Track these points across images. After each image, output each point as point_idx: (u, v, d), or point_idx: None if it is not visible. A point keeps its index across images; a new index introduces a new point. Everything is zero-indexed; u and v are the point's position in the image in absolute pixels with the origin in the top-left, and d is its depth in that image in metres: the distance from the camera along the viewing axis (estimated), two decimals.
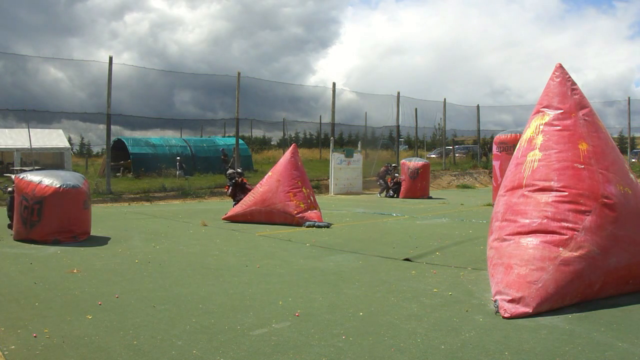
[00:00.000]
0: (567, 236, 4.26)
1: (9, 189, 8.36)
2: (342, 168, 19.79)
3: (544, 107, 4.99)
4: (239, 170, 12.55)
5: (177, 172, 21.62)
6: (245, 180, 12.04)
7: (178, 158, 22.69)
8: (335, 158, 19.61)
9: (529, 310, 4.01)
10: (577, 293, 4.20)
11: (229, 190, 11.81)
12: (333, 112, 21.34)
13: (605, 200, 4.37)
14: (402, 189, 18.04)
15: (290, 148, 10.71)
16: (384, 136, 27.41)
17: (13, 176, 8.64)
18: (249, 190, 11.01)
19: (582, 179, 4.46)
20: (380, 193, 18.73)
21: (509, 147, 13.25)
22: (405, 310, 4.26)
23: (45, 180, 7.71)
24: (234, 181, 11.73)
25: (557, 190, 4.48)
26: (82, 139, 30.63)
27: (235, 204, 11.12)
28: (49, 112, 17.89)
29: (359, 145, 23.05)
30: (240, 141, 22.25)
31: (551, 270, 4.14)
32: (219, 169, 23.35)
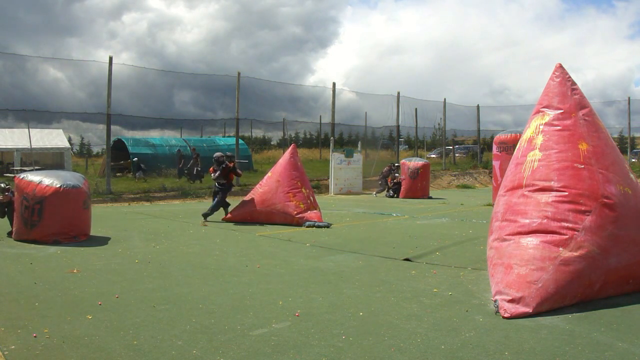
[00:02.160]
0: (567, 236, 4.26)
1: (6, 193, 8.24)
2: (342, 168, 19.78)
3: (544, 107, 4.99)
4: (228, 153, 11.50)
5: (137, 174, 20.60)
6: (233, 164, 10.74)
7: (135, 159, 21.67)
8: (335, 158, 19.61)
9: (529, 310, 4.01)
10: (577, 293, 4.20)
11: (216, 174, 10.50)
12: (333, 112, 21.35)
13: (605, 200, 4.37)
14: (402, 189, 18.03)
15: (290, 148, 10.72)
16: (384, 136, 27.42)
17: (4, 184, 8.53)
18: (239, 175, 11.01)
19: (582, 179, 4.46)
20: (376, 193, 18.67)
21: (509, 147, 13.24)
22: (405, 310, 4.27)
23: (46, 180, 7.71)
24: (224, 165, 10.54)
25: (557, 190, 4.48)
26: (82, 139, 30.59)
27: (217, 198, 10.44)
28: (49, 112, 17.84)
29: (359, 145, 23.03)
30: (240, 141, 22.24)
31: (551, 270, 4.14)
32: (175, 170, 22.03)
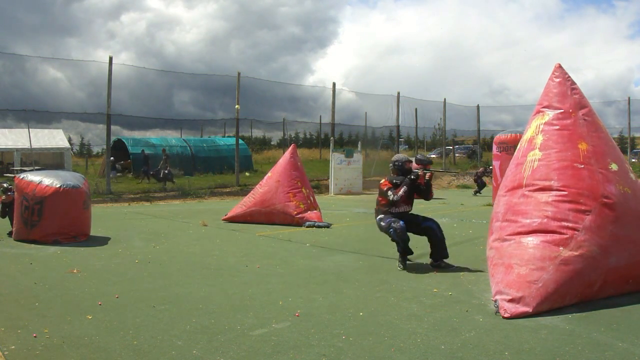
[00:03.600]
0: (567, 235, 4.26)
1: (9, 193, 8.26)
2: (342, 168, 19.79)
3: (544, 107, 4.99)
4: (418, 156, 6.21)
5: (110, 174, 20.78)
6: (431, 175, 5.94)
7: (112, 158, 21.61)
8: (335, 158, 19.62)
9: (529, 309, 4.01)
10: (577, 292, 4.20)
11: (398, 194, 5.69)
12: (333, 112, 21.35)
13: (605, 200, 4.37)
14: None
15: (290, 148, 10.72)
16: (384, 136, 27.46)
17: (6, 185, 8.55)
18: (429, 195, 6.00)
19: (582, 179, 4.46)
20: (475, 193, 18.57)
21: (509, 147, 13.23)
22: (405, 310, 4.26)
23: (46, 180, 7.71)
24: (412, 177, 5.80)
25: (557, 190, 4.48)
26: (82, 139, 30.63)
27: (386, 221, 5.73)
28: (49, 112, 17.88)
29: (359, 145, 23.06)
30: (240, 141, 22.24)
31: (551, 270, 4.14)
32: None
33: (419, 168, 5.91)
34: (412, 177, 5.79)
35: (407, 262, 5.85)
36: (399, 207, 5.80)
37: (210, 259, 6.55)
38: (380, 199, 5.90)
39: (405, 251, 5.80)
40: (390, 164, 6.06)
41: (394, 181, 5.85)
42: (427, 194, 5.96)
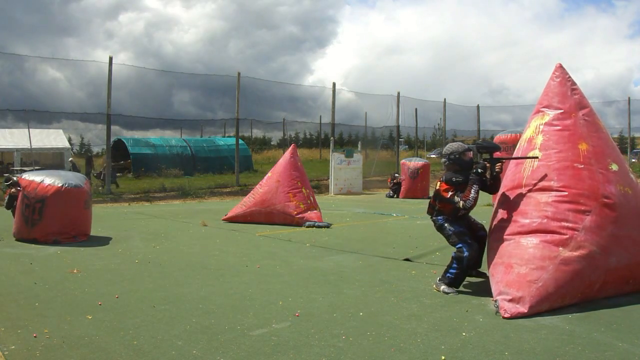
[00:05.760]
0: (567, 236, 4.26)
1: (13, 190, 8.34)
2: (342, 168, 19.80)
3: (544, 107, 4.98)
4: (481, 142, 5.13)
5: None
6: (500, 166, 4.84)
7: (70, 160, 21.33)
8: (335, 158, 19.63)
9: (528, 309, 4.01)
10: (577, 293, 4.20)
11: (471, 194, 4.65)
12: (333, 112, 21.34)
13: (605, 200, 4.37)
14: (402, 189, 18.04)
15: (290, 148, 10.72)
16: (384, 136, 27.44)
17: (15, 177, 8.64)
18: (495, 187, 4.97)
19: (582, 179, 4.46)
20: None
21: (509, 147, 13.23)
22: (405, 310, 4.26)
23: (47, 179, 7.74)
24: (479, 171, 4.71)
25: (557, 190, 4.48)
26: (82, 139, 30.60)
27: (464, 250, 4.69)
28: (49, 112, 17.90)
29: (359, 146, 23.07)
30: (240, 141, 22.25)
31: (551, 270, 4.14)
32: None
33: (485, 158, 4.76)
34: (480, 170, 4.64)
35: (408, 261, 5.83)
36: (466, 206, 4.68)
37: (210, 259, 6.55)
38: (440, 205, 4.86)
39: (462, 278, 4.72)
40: (444, 159, 4.88)
41: (454, 179, 4.69)
42: (494, 189, 4.86)
